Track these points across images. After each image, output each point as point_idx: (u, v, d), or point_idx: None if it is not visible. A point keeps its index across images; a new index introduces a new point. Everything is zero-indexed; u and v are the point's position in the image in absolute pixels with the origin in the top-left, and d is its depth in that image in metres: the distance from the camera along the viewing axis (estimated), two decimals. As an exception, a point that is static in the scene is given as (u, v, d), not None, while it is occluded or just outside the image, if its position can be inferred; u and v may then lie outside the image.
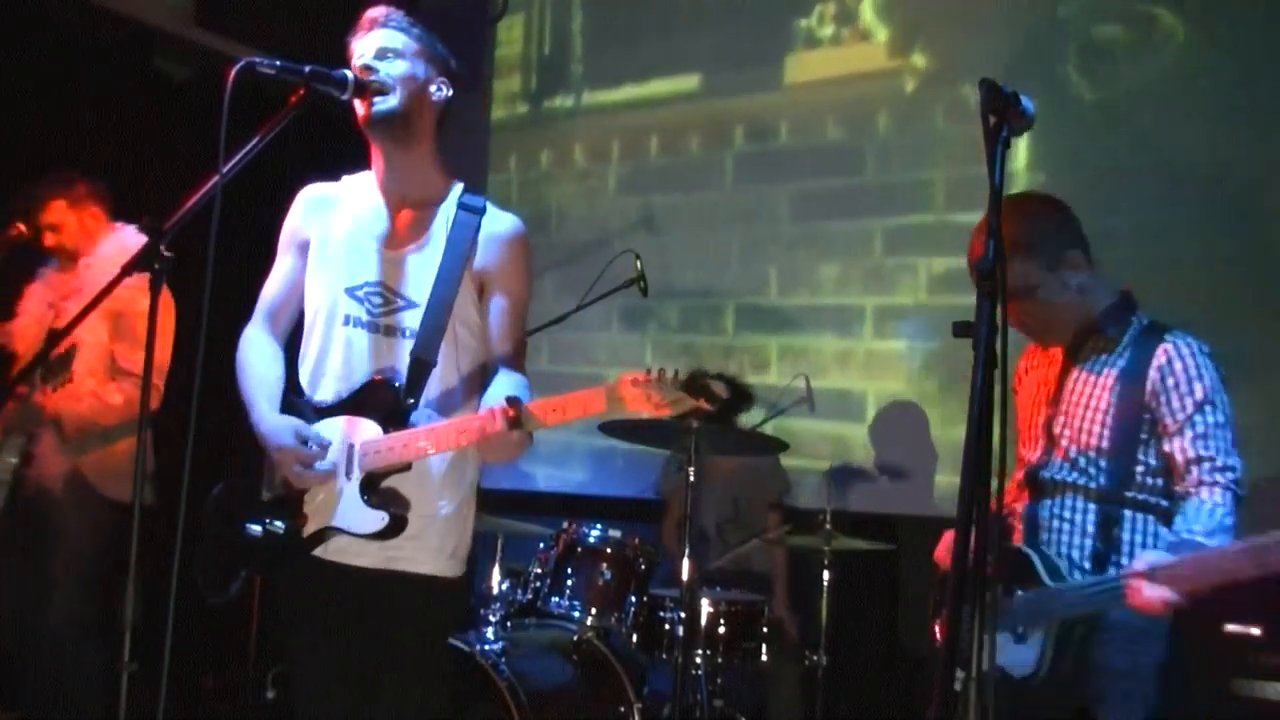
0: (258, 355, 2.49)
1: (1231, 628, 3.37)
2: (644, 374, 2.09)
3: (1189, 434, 2.40)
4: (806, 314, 4.95)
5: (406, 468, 2.32)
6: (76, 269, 3.87)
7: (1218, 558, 2.21)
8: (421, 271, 2.40)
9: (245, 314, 2.56)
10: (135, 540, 2.18)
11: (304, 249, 2.50)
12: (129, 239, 3.83)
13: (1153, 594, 2.21)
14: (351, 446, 2.33)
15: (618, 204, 5.52)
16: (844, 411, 4.79)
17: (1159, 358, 2.44)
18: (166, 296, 3.59)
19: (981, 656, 1.69)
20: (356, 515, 2.31)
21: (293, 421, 2.35)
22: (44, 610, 3.81)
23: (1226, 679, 3.32)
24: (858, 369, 4.83)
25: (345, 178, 2.57)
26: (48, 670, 3.78)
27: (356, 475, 2.32)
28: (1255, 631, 3.34)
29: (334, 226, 2.48)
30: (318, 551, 2.36)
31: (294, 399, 2.44)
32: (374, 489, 2.32)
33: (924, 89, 4.77)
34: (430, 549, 2.38)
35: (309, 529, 2.36)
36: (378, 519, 2.30)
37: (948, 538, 2.70)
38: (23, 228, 3.84)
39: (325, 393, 2.41)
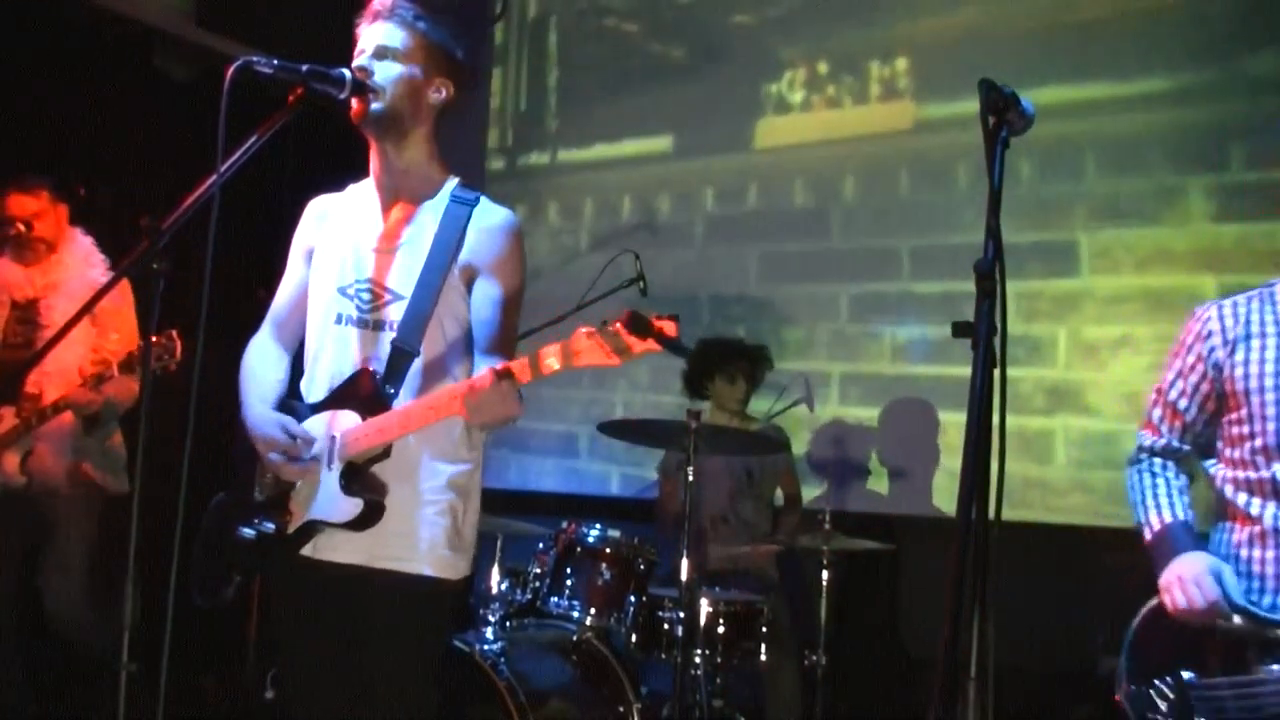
0: (258, 359, 2.53)
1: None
2: (593, 327, 2.04)
3: None
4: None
5: (385, 454, 2.31)
6: (46, 263, 3.90)
7: None
8: (409, 265, 2.40)
9: (242, 311, 2.56)
10: (134, 540, 2.18)
11: (309, 257, 2.53)
12: (86, 241, 3.98)
13: None
14: (334, 438, 2.34)
15: (590, 261, 5.53)
16: (804, 472, 4.76)
17: None
18: (124, 283, 3.71)
19: (983, 656, 1.68)
20: (335, 504, 2.31)
21: (279, 416, 2.37)
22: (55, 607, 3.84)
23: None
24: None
25: (350, 186, 2.57)
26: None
27: (336, 465, 2.33)
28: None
29: (333, 231, 2.50)
30: (307, 551, 2.36)
31: (290, 401, 2.45)
32: (352, 476, 2.31)
33: (892, 156, 4.80)
34: (419, 548, 2.35)
35: (294, 525, 2.36)
36: (353, 506, 2.29)
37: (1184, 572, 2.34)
38: (22, 227, 3.83)
39: (318, 391, 2.42)
